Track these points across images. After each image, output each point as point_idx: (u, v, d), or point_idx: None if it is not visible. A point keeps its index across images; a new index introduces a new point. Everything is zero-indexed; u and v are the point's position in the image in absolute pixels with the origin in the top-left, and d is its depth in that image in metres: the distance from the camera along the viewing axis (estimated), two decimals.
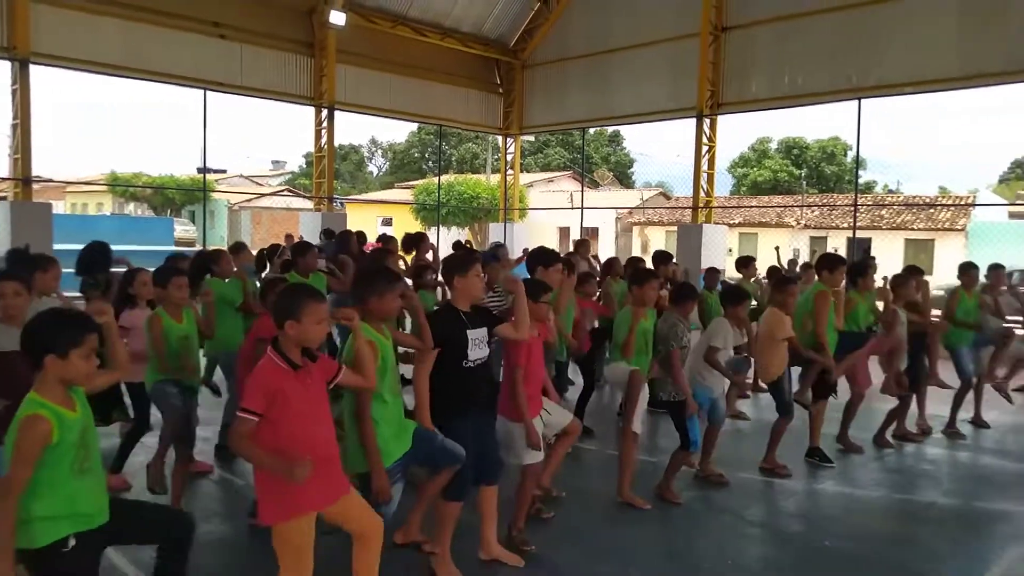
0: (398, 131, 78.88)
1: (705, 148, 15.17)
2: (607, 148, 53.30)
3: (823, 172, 36.01)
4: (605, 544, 4.61)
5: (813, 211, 27.49)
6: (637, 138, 77.68)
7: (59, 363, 2.64)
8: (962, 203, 24.63)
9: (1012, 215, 27.61)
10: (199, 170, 43.46)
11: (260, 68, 15.08)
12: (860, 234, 24.02)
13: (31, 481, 2.57)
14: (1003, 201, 29.78)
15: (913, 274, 7.09)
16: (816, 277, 6.49)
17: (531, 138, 38.78)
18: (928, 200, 27.43)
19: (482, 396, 4.05)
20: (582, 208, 17.58)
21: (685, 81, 15.25)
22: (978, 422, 7.66)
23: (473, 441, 3.93)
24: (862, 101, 13.19)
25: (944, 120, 63.61)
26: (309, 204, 36.37)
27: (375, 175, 63.23)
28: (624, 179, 49.45)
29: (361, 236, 10.03)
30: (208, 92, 14.29)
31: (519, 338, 4.16)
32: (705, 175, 15.24)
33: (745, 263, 9.02)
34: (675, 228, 28.17)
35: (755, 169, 37.21)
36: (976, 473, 6.35)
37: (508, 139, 19.65)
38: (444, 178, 33.14)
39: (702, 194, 15.23)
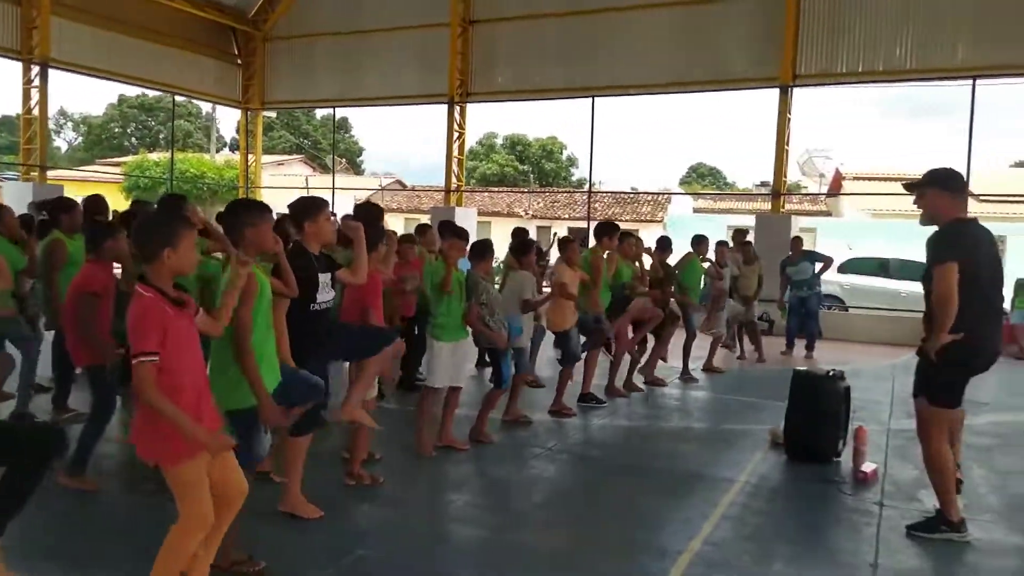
0: (93, 103, 70.22)
1: (456, 135, 15.91)
2: (335, 134, 52.55)
3: (544, 168, 39.13)
4: (441, 479, 4.96)
5: (539, 203, 29.95)
6: (364, 127, 77.52)
7: None
8: (665, 193, 28.38)
9: (696, 210, 32.39)
10: None
11: None
12: (579, 224, 26.77)
13: None
14: (694, 192, 34.67)
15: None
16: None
17: (272, 114, 36.89)
18: (633, 194, 31.17)
19: (325, 338, 4.15)
20: (333, 189, 17.42)
21: (436, 69, 15.80)
22: (711, 369, 9.16)
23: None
24: (595, 99, 14.76)
25: (634, 126, 71.77)
26: None
27: (63, 150, 55.67)
28: (353, 166, 49.12)
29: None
30: None
31: (354, 281, 4.32)
32: (456, 160, 16.01)
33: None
34: (414, 216, 28.89)
35: (483, 162, 39.26)
36: (715, 406, 7.67)
37: (249, 113, 18.77)
38: (161, 155, 30.55)
39: (453, 179, 15.97)
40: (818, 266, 10.75)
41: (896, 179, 28.84)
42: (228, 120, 57.53)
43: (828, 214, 30.39)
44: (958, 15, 12.11)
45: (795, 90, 13.33)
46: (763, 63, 13.32)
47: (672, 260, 8.66)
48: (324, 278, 4.02)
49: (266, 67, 18.15)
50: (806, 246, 11.67)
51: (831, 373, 5.63)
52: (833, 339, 12.30)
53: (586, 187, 33.49)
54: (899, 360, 10.73)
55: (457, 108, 15.78)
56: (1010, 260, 15.72)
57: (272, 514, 4.04)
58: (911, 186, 4.15)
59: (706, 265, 9.43)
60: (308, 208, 4.05)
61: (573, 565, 3.79)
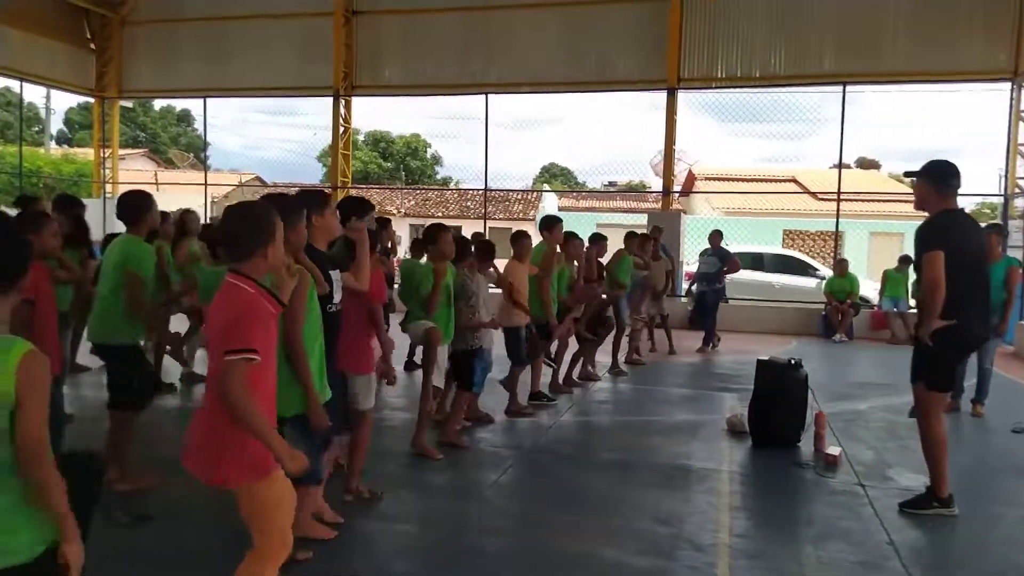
0: None
1: (342, 129, 15.32)
2: (176, 128, 49.29)
3: (409, 166, 38.55)
4: (433, 488, 4.73)
5: (410, 201, 29.51)
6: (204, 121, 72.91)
7: None
8: (560, 191, 28.74)
9: (561, 208, 33.13)
10: None
11: None
12: (455, 222, 26.71)
13: None
14: (559, 191, 35.40)
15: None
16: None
17: (130, 104, 33.81)
18: (504, 192, 31.41)
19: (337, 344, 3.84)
20: (206, 185, 16.29)
21: (319, 60, 15.14)
22: (633, 361, 9.34)
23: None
24: (489, 96, 14.69)
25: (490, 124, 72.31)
26: None
27: None
28: (200, 162, 46.31)
29: None
30: None
31: (360, 288, 4.02)
32: (341, 156, 15.43)
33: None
34: None
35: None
36: (657, 398, 7.82)
37: (104, 103, 17.16)
38: None
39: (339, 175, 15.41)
40: (725, 265, 11.26)
41: (744, 179, 30.90)
42: (57, 111, 52.50)
43: (683, 212, 32.02)
44: (824, 28, 13.10)
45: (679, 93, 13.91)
46: (650, 66, 13.80)
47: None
48: (335, 276, 3.71)
49: (123, 53, 16.68)
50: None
51: (792, 362, 5.88)
52: (718, 329, 12.92)
53: (460, 185, 33.68)
54: (791, 346, 11.46)
55: (343, 101, 15.22)
56: (847, 253, 17.24)
57: None
58: (911, 173, 4.41)
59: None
60: (314, 202, 3.71)
61: (612, 565, 3.70)
